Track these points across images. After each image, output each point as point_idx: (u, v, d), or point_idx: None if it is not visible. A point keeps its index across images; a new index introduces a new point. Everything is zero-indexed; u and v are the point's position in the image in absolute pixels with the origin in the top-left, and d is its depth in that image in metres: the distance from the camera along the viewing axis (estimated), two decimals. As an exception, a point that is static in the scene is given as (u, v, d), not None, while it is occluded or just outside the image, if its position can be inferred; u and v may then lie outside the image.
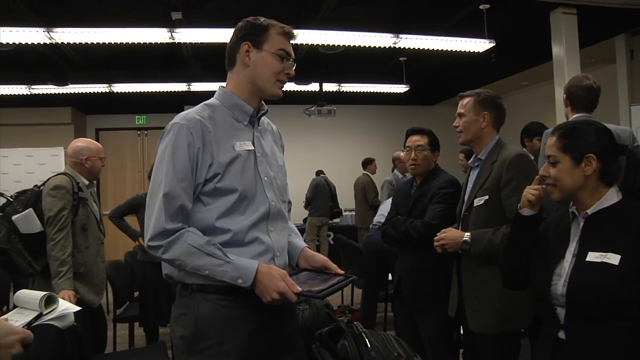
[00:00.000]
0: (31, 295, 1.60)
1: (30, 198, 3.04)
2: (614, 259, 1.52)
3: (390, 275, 4.26)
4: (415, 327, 2.95)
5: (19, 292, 1.59)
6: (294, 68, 1.81)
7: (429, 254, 2.61)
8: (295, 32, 1.84)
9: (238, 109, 1.76)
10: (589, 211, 1.65)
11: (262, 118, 1.86)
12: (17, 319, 1.46)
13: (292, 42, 1.81)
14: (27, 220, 2.98)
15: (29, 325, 1.40)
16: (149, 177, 4.20)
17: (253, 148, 1.74)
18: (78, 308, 1.38)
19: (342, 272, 1.74)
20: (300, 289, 1.58)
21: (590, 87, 3.01)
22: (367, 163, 8.29)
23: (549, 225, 1.82)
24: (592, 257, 1.56)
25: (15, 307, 1.70)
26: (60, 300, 1.44)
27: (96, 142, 3.37)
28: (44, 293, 1.42)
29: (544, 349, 1.71)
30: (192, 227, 1.63)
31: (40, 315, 1.50)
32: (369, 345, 1.76)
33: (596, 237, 1.61)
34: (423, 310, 2.89)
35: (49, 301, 1.51)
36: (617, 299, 1.51)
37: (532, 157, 3.67)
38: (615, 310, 1.52)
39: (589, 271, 1.56)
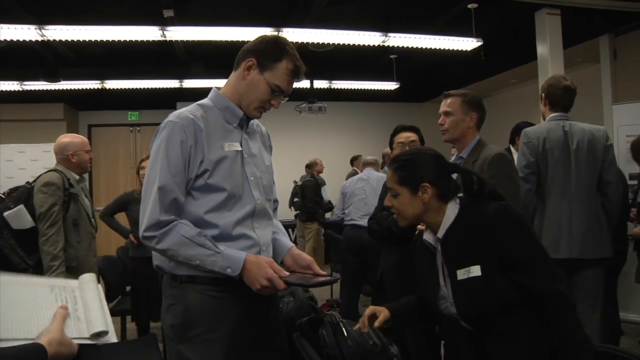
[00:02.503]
0: (94, 310, 1.34)
1: (22, 195, 3.11)
2: (476, 270, 1.64)
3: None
4: None
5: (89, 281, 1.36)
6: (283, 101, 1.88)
7: (411, 250, 2.68)
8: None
9: (229, 112, 1.84)
10: (439, 235, 1.76)
11: (252, 120, 1.94)
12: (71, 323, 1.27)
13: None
14: (18, 217, 3.05)
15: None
16: (138, 173, 4.29)
17: (241, 149, 1.83)
18: (115, 340, 1.22)
19: (324, 273, 1.81)
20: (287, 273, 1.68)
21: (569, 88, 3.12)
22: (354, 159, 8.42)
23: (417, 256, 1.94)
24: (461, 275, 1.68)
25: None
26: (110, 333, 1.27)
27: (80, 136, 3.41)
28: (100, 329, 1.24)
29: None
30: (184, 220, 1.71)
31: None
32: (345, 334, 1.85)
33: (456, 256, 1.72)
34: None
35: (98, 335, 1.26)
36: (496, 302, 1.64)
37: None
38: (502, 308, 1.64)
39: (465, 289, 1.67)
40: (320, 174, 8.46)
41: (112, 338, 1.28)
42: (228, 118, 1.84)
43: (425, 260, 1.85)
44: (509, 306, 1.64)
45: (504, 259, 1.64)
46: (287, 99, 1.89)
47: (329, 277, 1.79)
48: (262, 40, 1.84)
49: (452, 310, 1.72)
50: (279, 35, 1.85)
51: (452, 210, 1.76)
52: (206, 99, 1.90)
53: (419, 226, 2.45)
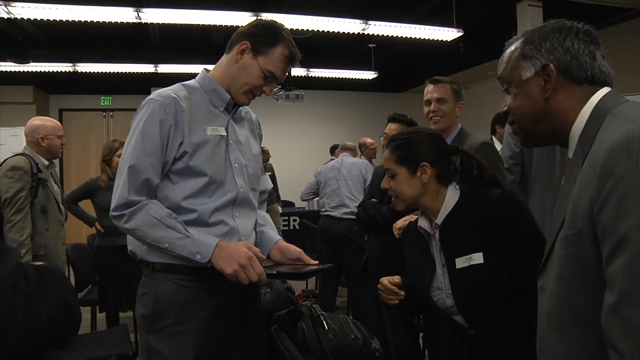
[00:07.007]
0: None
1: (-15, 180, 2.98)
2: (477, 258, 1.60)
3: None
4: (379, 309, 2.99)
5: None
6: (273, 89, 1.82)
7: (395, 239, 2.65)
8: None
9: (216, 95, 1.77)
10: (438, 221, 1.70)
11: (242, 107, 1.88)
12: None
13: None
14: (-19, 203, 2.92)
15: None
16: (104, 160, 4.14)
17: (225, 134, 1.76)
18: None
19: (316, 262, 1.76)
20: (264, 257, 1.63)
21: None
22: (334, 149, 8.38)
23: (409, 245, 1.89)
24: (460, 263, 1.62)
25: None
26: None
27: (54, 120, 3.30)
28: None
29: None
30: (155, 200, 1.64)
31: None
32: (326, 328, 1.79)
33: (455, 243, 1.66)
34: None
35: None
36: (495, 292, 1.60)
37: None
38: (502, 299, 1.60)
39: (464, 278, 1.62)
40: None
41: None
42: (214, 101, 1.77)
43: (419, 249, 1.79)
44: (505, 298, 1.60)
45: (508, 247, 1.58)
46: (279, 86, 1.82)
47: (321, 266, 1.75)
48: (258, 24, 1.77)
49: (448, 302, 1.67)
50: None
51: (451, 195, 1.71)
52: (193, 80, 1.83)
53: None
